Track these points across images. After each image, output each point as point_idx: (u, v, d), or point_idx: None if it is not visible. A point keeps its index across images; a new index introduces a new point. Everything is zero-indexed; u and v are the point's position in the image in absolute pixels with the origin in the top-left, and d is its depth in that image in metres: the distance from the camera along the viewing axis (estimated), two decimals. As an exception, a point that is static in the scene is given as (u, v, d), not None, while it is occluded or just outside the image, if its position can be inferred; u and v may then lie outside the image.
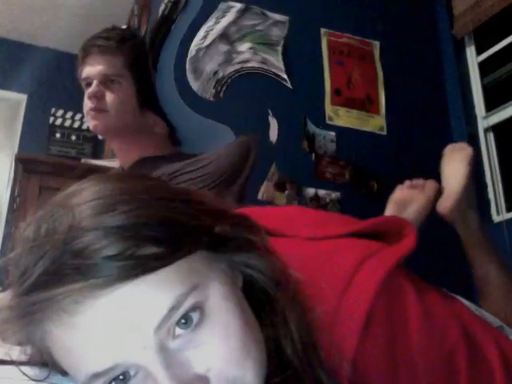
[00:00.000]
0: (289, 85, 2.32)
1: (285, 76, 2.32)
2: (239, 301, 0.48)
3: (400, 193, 1.15)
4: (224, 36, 2.32)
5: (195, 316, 0.43)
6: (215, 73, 2.25)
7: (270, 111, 2.25)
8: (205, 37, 2.31)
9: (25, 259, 0.43)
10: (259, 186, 2.16)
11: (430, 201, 1.11)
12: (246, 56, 2.29)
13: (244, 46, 2.31)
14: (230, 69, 2.26)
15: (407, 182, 1.16)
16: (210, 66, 2.26)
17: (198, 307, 0.43)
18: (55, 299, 0.41)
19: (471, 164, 1.10)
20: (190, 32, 2.32)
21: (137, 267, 0.41)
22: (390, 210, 1.14)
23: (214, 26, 2.32)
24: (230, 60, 2.28)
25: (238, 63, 2.26)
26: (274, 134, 2.24)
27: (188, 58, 2.27)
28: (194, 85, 2.23)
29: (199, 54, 2.28)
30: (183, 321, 0.43)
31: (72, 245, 0.41)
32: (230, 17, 2.35)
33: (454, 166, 1.11)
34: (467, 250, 1.11)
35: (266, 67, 2.30)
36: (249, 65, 2.27)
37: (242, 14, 2.38)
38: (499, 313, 1.00)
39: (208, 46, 2.30)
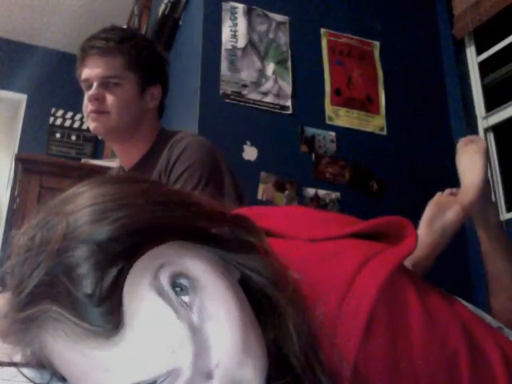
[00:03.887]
0: (289, 111, 2.34)
1: (288, 104, 2.34)
2: (234, 287, 0.47)
3: (440, 197, 1.16)
4: (253, 45, 2.37)
5: (184, 281, 0.43)
6: (244, 86, 2.29)
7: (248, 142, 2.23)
8: (234, 36, 2.35)
9: (20, 269, 0.43)
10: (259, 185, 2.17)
11: (465, 209, 1.10)
12: (268, 86, 2.34)
13: (270, 69, 2.37)
14: (253, 96, 2.31)
15: (447, 191, 1.17)
16: (245, 74, 2.32)
17: (179, 275, 0.43)
18: (51, 313, 0.40)
19: (486, 156, 1.09)
20: (207, 31, 2.34)
21: (114, 310, 0.39)
22: (429, 212, 1.13)
23: (235, 28, 2.37)
24: (259, 84, 2.33)
25: (261, 93, 2.32)
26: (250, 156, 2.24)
27: (223, 49, 2.31)
28: (226, 73, 2.28)
29: (236, 52, 2.33)
30: (177, 289, 0.42)
31: (65, 256, 0.41)
32: (242, 19, 2.39)
33: (470, 159, 1.10)
34: (483, 244, 1.09)
35: (277, 102, 2.34)
36: (266, 100, 2.32)
37: (249, 16, 2.41)
38: (507, 313, 0.99)
39: (244, 50, 2.34)
